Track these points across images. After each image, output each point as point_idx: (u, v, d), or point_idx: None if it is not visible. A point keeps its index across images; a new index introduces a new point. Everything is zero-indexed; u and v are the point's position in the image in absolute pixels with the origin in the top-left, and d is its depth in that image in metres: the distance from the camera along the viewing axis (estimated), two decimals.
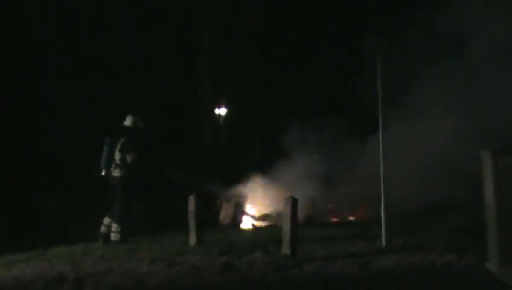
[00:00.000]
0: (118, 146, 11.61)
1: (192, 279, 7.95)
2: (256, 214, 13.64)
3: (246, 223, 13.48)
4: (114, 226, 11.50)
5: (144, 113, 12.12)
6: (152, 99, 17.08)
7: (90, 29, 17.13)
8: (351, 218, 13.81)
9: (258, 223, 13.43)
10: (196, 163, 17.41)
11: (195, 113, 19.09)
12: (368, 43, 9.35)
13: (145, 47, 17.75)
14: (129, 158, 11.54)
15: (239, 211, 13.50)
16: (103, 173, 11.67)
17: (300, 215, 9.66)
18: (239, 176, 14.00)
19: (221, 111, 20.12)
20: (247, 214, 13.54)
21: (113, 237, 11.49)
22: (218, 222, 13.41)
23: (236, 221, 13.45)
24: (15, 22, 16.73)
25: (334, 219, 13.86)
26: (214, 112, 19.87)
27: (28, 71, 16.62)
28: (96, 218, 12.26)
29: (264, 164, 14.02)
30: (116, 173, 11.63)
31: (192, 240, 10.39)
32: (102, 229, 11.61)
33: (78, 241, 11.80)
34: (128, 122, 11.75)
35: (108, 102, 16.60)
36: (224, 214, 13.45)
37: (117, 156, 11.61)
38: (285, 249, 8.85)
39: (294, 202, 8.94)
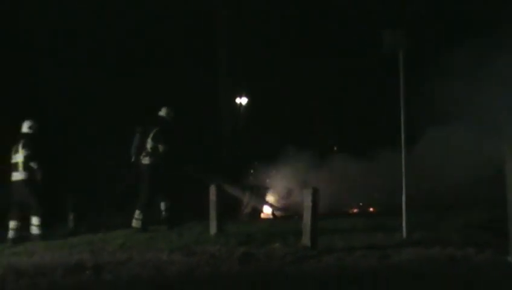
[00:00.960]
0: (151, 135, 11.89)
1: (210, 269, 7.96)
2: (277, 205, 13.65)
3: (267, 213, 13.49)
4: (136, 213, 11.63)
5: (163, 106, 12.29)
6: (170, 91, 17.13)
7: (107, 20, 17.22)
8: (371, 209, 13.78)
9: (278, 214, 13.43)
10: (215, 156, 17.46)
11: (214, 103, 19.11)
12: (387, 36, 9.24)
13: (162, 39, 17.80)
14: (161, 147, 11.79)
15: (261, 202, 13.51)
16: (132, 160, 11.98)
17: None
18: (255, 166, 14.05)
19: (243, 100, 20.11)
20: (269, 204, 13.54)
21: (134, 223, 11.61)
22: (239, 212, 13.44)
23: (257, 211, 13.46)
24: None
25: (354, 210, 13.84)
26: (234, 101, 19.88)
27: (46, 62, 16.75)
28: (114, 207, 12.38)
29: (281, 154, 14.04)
30: (145, 160, 11.87)
31: (213, 229, 10.41)
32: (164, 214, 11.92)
33: (98, 230, 11.91)
34: (163, 112, 12.13)
35: (125, 95, 16.72)
36: (245, 204, 13.48)
37: (149, 144, 11.88)
38: (305, 240, 8.83)
39: (315, 193, 8.91)
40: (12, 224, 11.64)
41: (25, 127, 11.95)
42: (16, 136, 11.97)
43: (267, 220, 13.19)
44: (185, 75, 17.81)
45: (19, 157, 11.77)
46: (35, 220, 11.54)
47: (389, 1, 17.30)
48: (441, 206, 11.94)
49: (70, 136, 16.48)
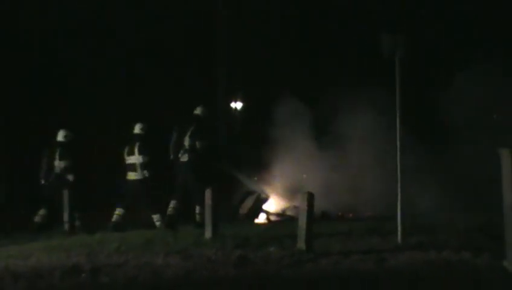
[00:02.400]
0: (188, 133, 12.25)
1: (207, 273, 7.97)
2: (274, 209, 13.68)
3: (262, 218, 13.51)
4: (198, 208, 11.90)
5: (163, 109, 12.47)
6: (168, 94, 17.19)
7: (107, 24, 17.27)
8: (368, 213, 13.82)
9: (273, 218, 13.45)
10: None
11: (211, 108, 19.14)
12: (386, 39, 9.28)
13: (162, 41, 17.84)
14: (198, 144, 12.11)
15: (259, 206, 13.53)
16: (171, 158, 12.36)
17: None
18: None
19: (237, 105, 20.15)
20: (266, 211, 13.56)
21: (198, 218, 11.95)
22: (236, 215, 13.46)
23: (254, 215, 13.47)
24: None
25: (350, 214, 13.88)
26: (229, 106, 19.92)
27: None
28: (112, 208, 12.41)
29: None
30: (184, 158, 12.16)
31: (208, 233, 10.42)
32: (169, 211, 12.12)
33: (95, 232, 11.91)
34: (198, 111, 12.54)
35: (125, 97, 16.74)
36: (244, 206, 13.51)
37: (186, 142, 12.21)
38: (301, 243, 8.85)
39: (310, 197, 8.94)
40: (118, 211, 12.45)
41: (137, 129, 12.66)
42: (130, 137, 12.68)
43: (262, 224, 13.21)
44: (183, 77, 17.86)
45: (134, 159, 12.51)
46: (155, 217, 12.41)
47: (389, 2, 17.36)
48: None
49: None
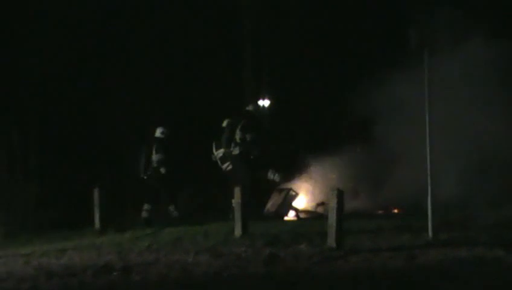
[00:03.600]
0: (239, 126, 12.74)
1: (237, 270, 8.00)
2: (303, 206, 13.65)
3: (291, 215, 13.48)
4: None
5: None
6: (195, 93, 17.30)
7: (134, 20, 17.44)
8: (395, 211, 13.72)
9: (303, 215, 13.42)
10: None
11: (238, 105, 19.18)
12: (414, 34, 9.22)
13: (189, 40, 17.93)
14: (248, 137, 12.61)
15: (288, 203, 13.51)
16: (225, 151, 12.95)
17: None
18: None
19: (265, 103, 20.13)
20: (295, 209, 13.53)
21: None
22: (263, 212, 13.46)
23: (284, 212, 13.45)
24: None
25: (380, 211, 13.79)
26: (257, 103, 19.89)
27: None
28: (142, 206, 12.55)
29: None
30: (235, 151, 12.70)
31: (238, 231, 10.43)
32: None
33: (126, 230, 12.03)
34: (251, 107, 13.42)
35: (151, 95, 16.87)
36: (272, 203, 13.50)
37: (237, 135, 12.72)
38: (331, 241, 8.83)
39: (340, 194, 8.92)
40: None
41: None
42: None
43: (291, 221, 13.19)
44: (209, 76, 17.95)
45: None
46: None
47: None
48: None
49: (98, 135, 16.76)
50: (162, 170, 13.27)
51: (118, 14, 17.88)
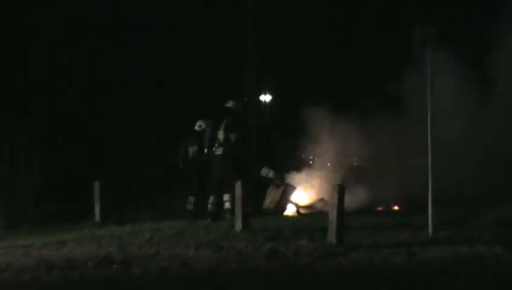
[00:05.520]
0: (222, 126, 12.35)
1: (237, 265, 8.00)
2: (303, 202, 13.64)
3: (291, 211, 13.48)
4: (226, 196, 12.03)
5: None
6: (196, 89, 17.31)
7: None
8: (395, 207, 13.73)
9: (304, 211, 13.42)
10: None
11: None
12: (418, 32, 9.21)
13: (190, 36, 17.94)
14: (232, 136, 12.21)
15: (287, 197, 13.50)
16: (205, 152, 12.67)
17: None
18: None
19: (266, 98, 20.14)
20: (295, 204, 13.53)
21: (227, 205, 12.04)
22: (262, 208, 13.45)
23: (282, 208, 13.46)
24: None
25: (380, 208, 13.79)
26: (258, 99, 19.88)
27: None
28: (143, 199, 12.54)
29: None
30: (219, 151, 12.28)
31: (238, 225, 10.44)
32: (210, 207, 12.22)
33: (126, 223, 12.03)
34: (231, 104, 12.62)
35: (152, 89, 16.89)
36: (271, 200, 13.49)
37: (220, 135, 12.29)
38: (331, 236, 8.85)
39: (341, 190, 8.92)
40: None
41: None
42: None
43: (292, 216, 13.19)
44: (212, 71, 17.96)
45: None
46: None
47: None
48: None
49: (100, 129, 16.77)
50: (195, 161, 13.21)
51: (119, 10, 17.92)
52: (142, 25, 17.87)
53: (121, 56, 17.59)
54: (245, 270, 7.80)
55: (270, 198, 13.50)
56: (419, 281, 6.87)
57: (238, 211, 10.53)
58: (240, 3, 18.62)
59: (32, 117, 16.27)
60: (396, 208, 13.77)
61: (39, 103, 16.83)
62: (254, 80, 19.32)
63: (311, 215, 12.92)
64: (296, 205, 13.55)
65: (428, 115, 9.33)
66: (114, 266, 8.19)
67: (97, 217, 13.00)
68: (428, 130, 9.29)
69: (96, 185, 13.10)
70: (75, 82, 17.43)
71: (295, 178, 13.85)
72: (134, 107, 17.66)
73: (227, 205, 12.07)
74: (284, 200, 13.38)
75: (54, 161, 15.91)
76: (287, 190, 13.39)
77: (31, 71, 17.00)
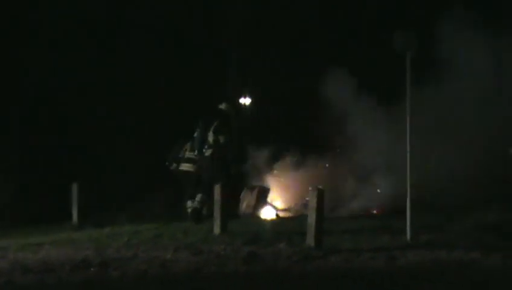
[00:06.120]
0: (212, 128, 12.15)
1: (216, 268, 7.97)
2: (280, 205, 13.64)
3: (270, 214, 13.47)
4: (199, 197, 11.93)
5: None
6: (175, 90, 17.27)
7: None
8: (375, 211, 13.75)
9: (282, 214, 13.42)
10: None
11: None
12: (398, 36, 9.25)
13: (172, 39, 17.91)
14: (222, 138, 12.03)
15: (261, 202, 13.49)
16: (195, 153, 12.33)
17: None
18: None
19: (246, 101, 20.10)
20: (270, 204, 13.52)
21: (196, 204, 11.96)
22: (238, 212, 13.42)
23: (258, 211, 13.44)
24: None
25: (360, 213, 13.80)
26: (238, 102, 19.85)
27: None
28: (122, 202, 12.45)
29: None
30: (208, 152, 12.10)
31: (217, 229, 10.40)
32: (195, 204, 12.02)
33: (105, 226, 11.93)
34: (223, 106, 12.51)
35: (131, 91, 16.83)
36: (247, 204, 13.46)
37: (210, 137, 12.10)
38: (310, 240, 8.83)
39: (320, 193, 8.91)
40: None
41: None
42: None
43: (271, 220, 13.18)
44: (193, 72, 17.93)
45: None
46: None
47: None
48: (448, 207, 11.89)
49: (79, 131, 16.64)
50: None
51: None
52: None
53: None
54: (224, 273, 7.76)
55: (246, 202, 13.47)
56: (399, 286, 6.88)
57: (217, 214, 10.49)
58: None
59: (10, 117, 16.12)
60: (375, 212, 13.80)
61: (19, 103, 16.68)
62: (236, 82, 19.36)
63: (290, 218, 12.91)
64: (275, 208, 13.55)
65: (407, 118, 9.35)
66: (91, 269, 8.11)
67: (75, 219, 12.87)
68: (408, 134, 9.31)
69: (74, 187, 12.95)
70: (53, 85, 17.29)
71: (272, 180, 13.87)
72: (114, 109, 17.56)
73: (195, 204, 11.99)
74: (259, 203, 13.37)
75: (32, 162, 15.78)
76: (261, 192, 13.38)
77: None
